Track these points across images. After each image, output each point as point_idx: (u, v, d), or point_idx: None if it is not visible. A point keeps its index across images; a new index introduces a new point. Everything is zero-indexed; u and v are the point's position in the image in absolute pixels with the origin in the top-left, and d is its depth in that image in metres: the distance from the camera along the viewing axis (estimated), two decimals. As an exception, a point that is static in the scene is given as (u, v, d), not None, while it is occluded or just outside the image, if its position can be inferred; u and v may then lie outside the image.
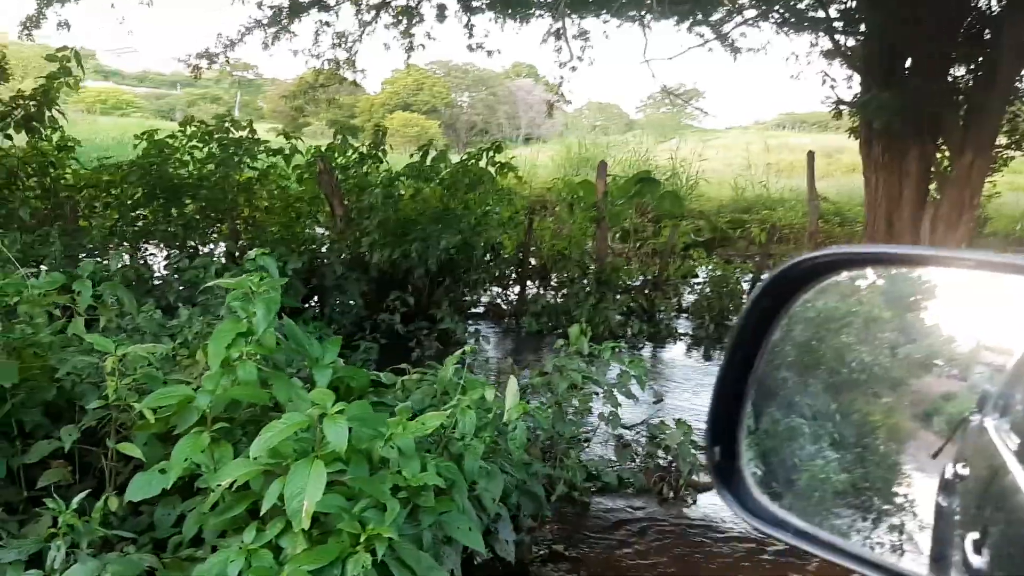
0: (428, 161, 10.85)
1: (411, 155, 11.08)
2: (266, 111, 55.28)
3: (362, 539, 3.16)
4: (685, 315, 12.17)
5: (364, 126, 52.28)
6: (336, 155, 10.53)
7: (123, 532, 3.29)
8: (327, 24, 15.78)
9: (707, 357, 10.58)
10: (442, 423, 3.97)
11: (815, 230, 13.46)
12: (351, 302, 9.66)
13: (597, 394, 6.00)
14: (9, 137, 9.35)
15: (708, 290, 12.14)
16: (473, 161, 11.08)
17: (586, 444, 6.23)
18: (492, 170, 11.04)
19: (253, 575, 3.05)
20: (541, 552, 4.73)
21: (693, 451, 6.04)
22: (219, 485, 3.23)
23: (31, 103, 9.38)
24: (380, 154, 10.74)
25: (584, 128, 46.37)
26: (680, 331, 11.47)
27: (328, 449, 3.22)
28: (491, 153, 11.11)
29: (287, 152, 10.31)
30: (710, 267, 12.76)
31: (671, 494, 5.70)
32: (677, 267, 12.84)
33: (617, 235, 15.58)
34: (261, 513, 3.17)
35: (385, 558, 3.21)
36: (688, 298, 12.54)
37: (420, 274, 9.95)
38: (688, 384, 8.98)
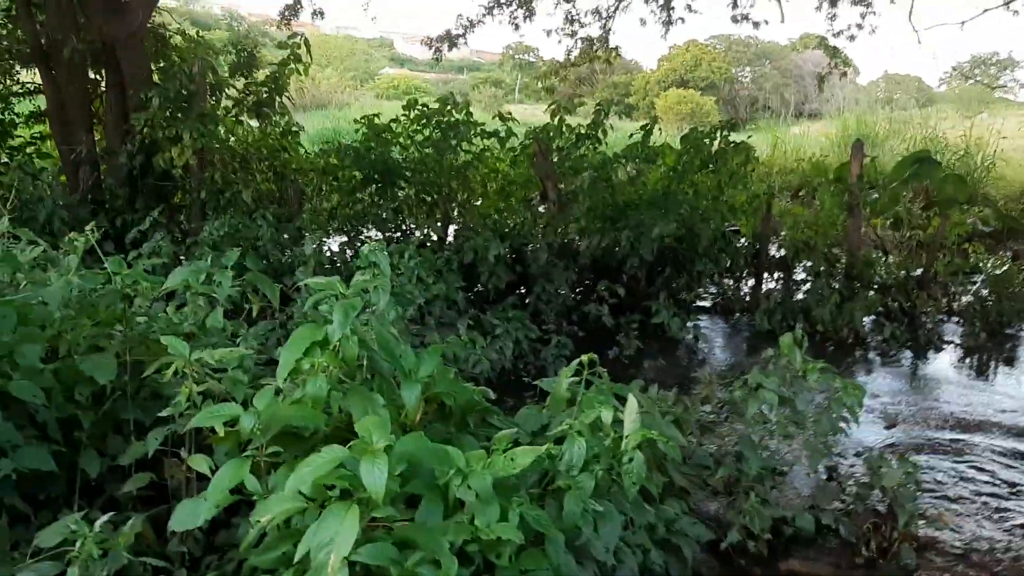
0: (654, 139, 10.02)
1: (630, 135, 10.29)
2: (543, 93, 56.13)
3: (409, 602, 2.59)
4: (955, 319, 10.37)
5: (639, 104, 51.71)
6: (552, 136, 10.00)
7: (154, 560, 2.97)
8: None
9: (979, 372, 8.85)
10: (549, 454, 3.30)
11: None
12: (558, 291, 9.11)
13: (795, 422, 5.00)
14: (240, 123, 9.78)
15: (986, 291, 10.26)
16: (705, 140, 10.09)
17: (780, 479, 5.22)
18: (726, 149, 9.99)
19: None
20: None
21: (917, 495, 4.88)
22: (259, 521, 2.80)
23: (263, 89, 9.74)
24: (600, 134, 10.05)
25: (874, 102, 42.41)
26: (946, 338, 9.75)
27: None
28: (724, 132, 10.05)
29: (502, 134, 9.95)
30: (991, 263, 10.78)
31: (877, 550, 4.57)
32: (948, 262, 10.98)
33: (888, 224, 13.75)
34: (295, 560, 2.69)
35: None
36: (961, 300, 10.69)
37: (634, 263, 9.18)
38: (942, 405, 7.48)
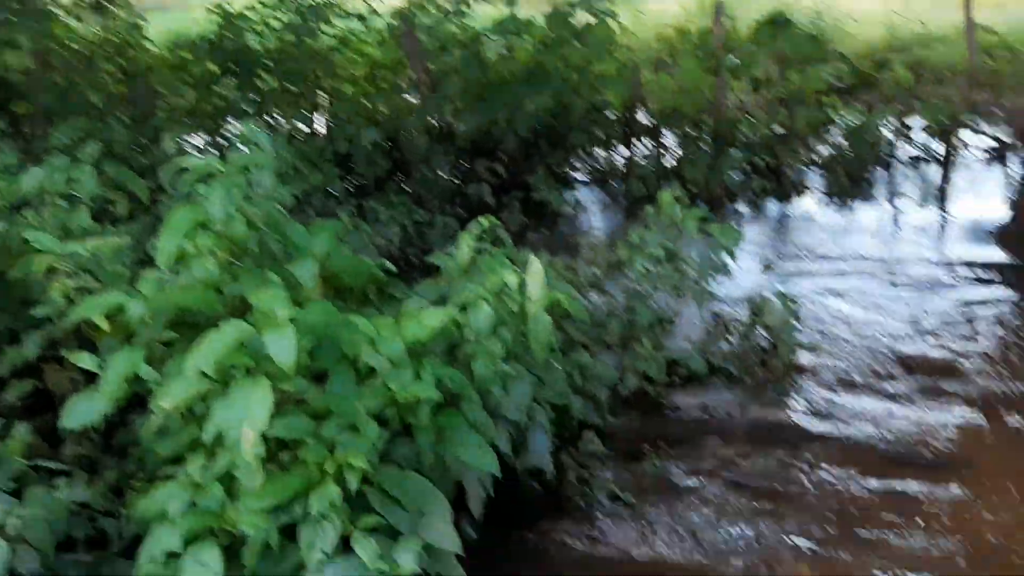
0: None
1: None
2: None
3: (329, 468, 2.59)
4: (817, 170, 10.86)
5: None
6: (416, 14, 9.66)
7: (50, 463, 2.86)
8: None
9: (842, 216, 9.36)
10: (455, 321, 3.32)
11: (973, 69, 11.61)
12: (439, 175, 9.01)
13: (679, 271, 5.20)
14: (81, 20, 9.04)
15: (844, 142, 10.75)
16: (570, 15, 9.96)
17: (670, 327, 5.43)
18: (594, 21, 9.91)
19: (195, 517, 2.55)
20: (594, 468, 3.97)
21: (795, 328, 5.20)
22: (161, 406, 2.71)
23: (99, -18, 8.98)
24: (463, 7, 9.77)
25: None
26: (810, 188, 10.23)
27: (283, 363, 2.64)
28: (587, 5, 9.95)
29: (364, 14, 9.56)
30: (847, 116, 11.26)
31: (764, 382, 4.87)
32: (808, 117, 11.39)
33: (748, 86, 14.09)
34: (206, 440, 2.64)
35: (364, 489, 2.65)
36: (821, 152, 11.17)
37: (510, 141, 9.14)
38: (811, 247, 7.93)
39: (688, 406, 4.68)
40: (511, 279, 3.46)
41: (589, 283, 5.77)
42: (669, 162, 10.36)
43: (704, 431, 4.41)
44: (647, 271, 5.31)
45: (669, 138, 10.99)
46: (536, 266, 3.47)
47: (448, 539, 2.65)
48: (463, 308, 3.37)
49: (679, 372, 4.95)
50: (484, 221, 3.85)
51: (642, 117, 10.93)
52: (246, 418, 2.51)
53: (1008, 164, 10.89)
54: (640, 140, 10.88)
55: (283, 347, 2.56)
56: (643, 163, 10.42)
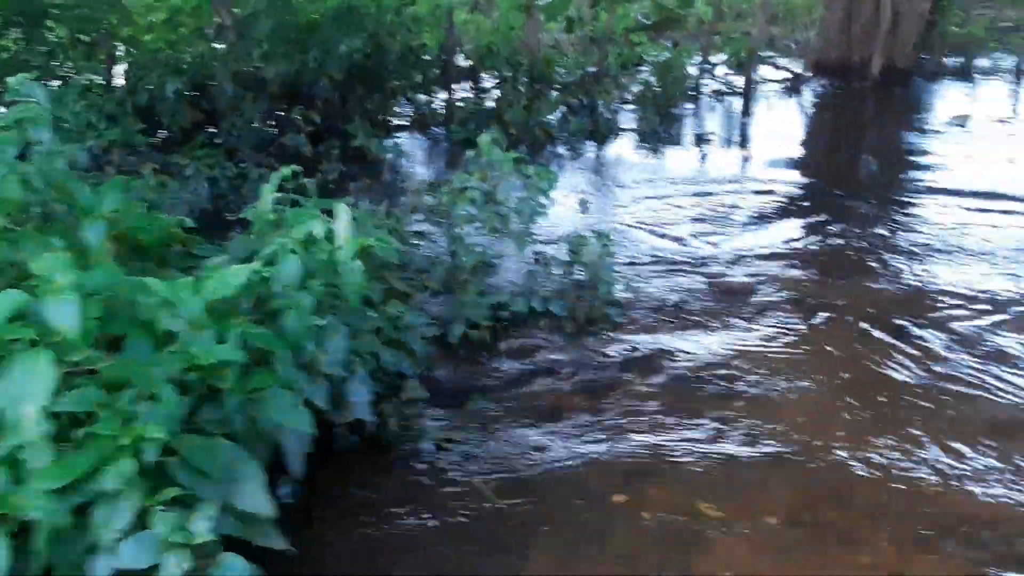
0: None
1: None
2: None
3: (124, 441, 2.44)
4: (630, 107, 11.17)
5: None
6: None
7: None
8: None
9: (655, 151, 9.69)
10: (262, 276, 3.18)
11: (768, 4, 12.21)
12: (251, 124, 8.61)
13: (500, 214, 5.23)
14: None
15: (653, 79, 11.10)
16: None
17: (493, 270, 5.47)
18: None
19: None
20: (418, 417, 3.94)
21: (613, 264, 5.35)
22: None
23: None
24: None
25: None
26: (624, 126, 10.52)
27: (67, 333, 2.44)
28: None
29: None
30: (654, 53, 11.62)
31: (585, 319, 4.99)
32: (618, 55, 11.68)
33: (561, 25, 14.26)
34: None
35: (165, 461, 2.52)
36: (633, 89, 11.49)
37: (325, 86, 8.85)
38: (627, 184, 8.18)
39: (513, 348, 4.73)
40: (318, 228, 3.34)
41: (412, 231, 5.71)
42: (489, 105, 10.35)
43: (529, 372, 4.47)
44: (468, 215, 5.31)
45: (488, 80, 10.98)
46: (343, 214, 3.38)
47: (260, 504, 2.56)
48: (270, 262, 3.23)
49: (504, 315, 4.99)
50: (286, 171, 3.69)
51: (459, 59, 10.86)
52: (27, 394, 2.32)
53: (802, 94, 11.58)
54: (459, 83, 10.82)
55: (66, 314, 2.37)
56: (463, 106, 10.36)
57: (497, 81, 10.64)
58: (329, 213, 3.57)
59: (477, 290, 4.97)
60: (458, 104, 10.45)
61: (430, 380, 4.17)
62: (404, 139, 9.89)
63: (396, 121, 10.44)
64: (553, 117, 10.08)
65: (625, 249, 6.17)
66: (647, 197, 7.69)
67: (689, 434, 3.69)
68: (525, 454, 3.54)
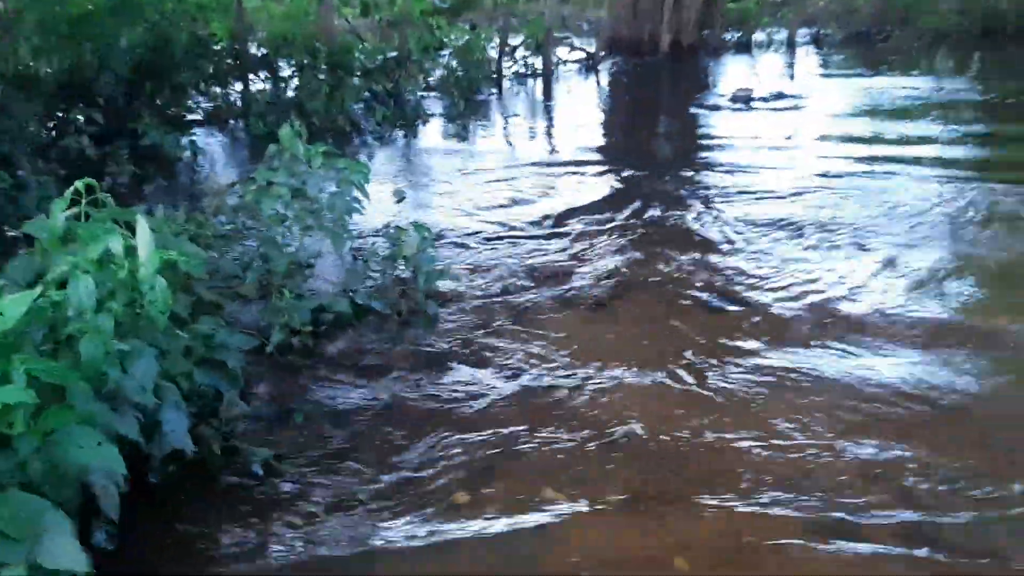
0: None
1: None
2: None
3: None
4: (434, 93, 11.12)
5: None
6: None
7: None
8: None
9: (462, 137, 9.70)
10: (52, 301, 2.89)
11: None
12: (25, 127, 7.84)
13: (312, 211, 5.03)
14: None
15: (455, 63, 11.10)
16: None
17: (309, 271, 5.26)
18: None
19: None
20: (241, 437, 3.71)
21: (433, 256, 5.29)
22: None
23: None
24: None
25: None
26: (431, 112, 10.46)
27: None
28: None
29: None
30: (454, 36, 11.62)
31: (408, 312, 4.91)
32: (419, 40, 11.59)
33: (357, 10, 13.94)
34: None
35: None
36: (436, 74, 11.45)
37: (107, 82, 8.20)
38: (439, 172, 8.14)
39: (338, 352, 4.57)
40: (115, 244, 3.06)
41: (216, 234, 5.40)
42: (289, 95, 9.99)
43: (356, 374, 4.34)
44: (278, 214, 5.07)
45: (286, 69, 10.58)
46: (143, 227, 3.11)
47: (73, 558, 2.31)
48: (61, 284, 2.93)
49: (326, 318, 4.81)
50: (80, 184, 3.36)
51: (253, 48, 10.39)
52: None
53: (598, 73, 11.94)
54: (254, 73, 10.36)
55: None
56: (260, 98, 9.93)
57: (295, 70, 10.27)
58: (127, 225, 3.29)
59: (294, 294, 4.77)
60: (255, 96, 10.00)
61: (251, 396, 3.96)
62: (200, 135, 9.36)
63: (190, 116, 9.87)
64: (357, 106, 9.87)
65: (445, 239, 6.14)
66: (462, 184, 7.70)
67: (515, 429, 3.68)
68: (357, 466, 3.42)
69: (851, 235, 5.90)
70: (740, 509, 2.98)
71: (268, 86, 10.31)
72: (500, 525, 2.99)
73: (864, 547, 2.75)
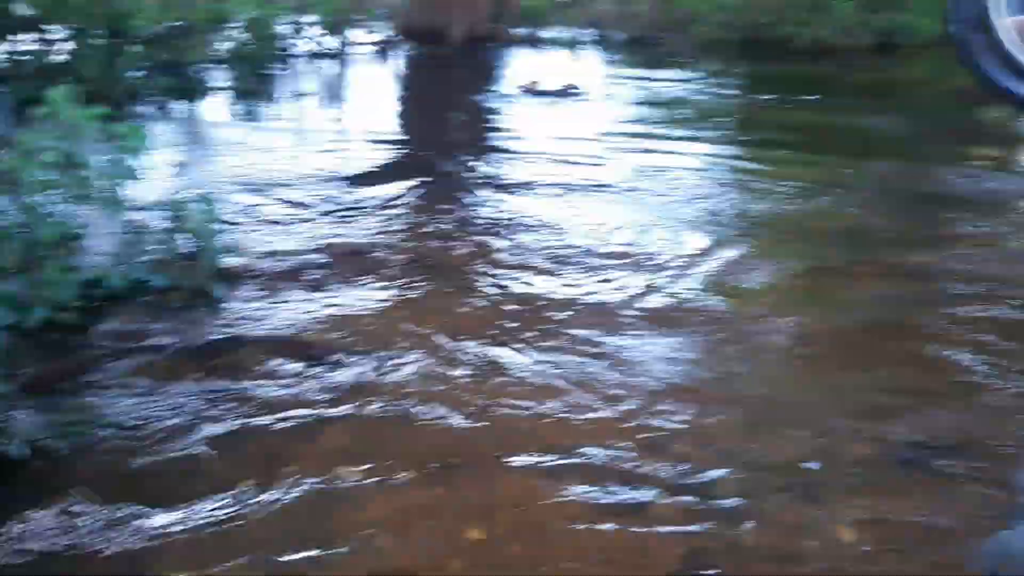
0: None
1: None
2: None
3: None
4: (223, 66, 10.74)
5: None
6: None
7: None
8: None
9: (249, 113, 9.45)
10: None
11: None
12: None
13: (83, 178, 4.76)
14: None
15: (245, 36, 10.77)
16: None
17: (79, 243, 4.96)
18: None
19: None
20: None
21: (217, 229, 5.15)
22: None
23: None
24: None
25: None
26: (218, 85, 10.10)
27: None
28: None
29: None
30: (244, 10, 11.26)
31: (192, 292, 4.75)
32: (206, 11, 11.13)
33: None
34: None
35: None
36: (225, 47, 11.05)
37: None
38: (240, 149, 7.92)
39: (110, 330, 4.35)
40: None
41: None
42: (60, 59, 9.31)
43: (129, 352, 4.16)
44: (44, 180, 4.76)
45: (59, 32, 9.85)
46: None
47: None
48: None
49: (97, 293, 4.56)
50: None
51: (20, 7, 9.58)
52: None
53: (392, 59, 11.99)
54: (19, 34, 9.55)
55: None
56: (28, 60, 9.19)
57: (69, 33, 9.58)
58: None
59: (61, 267, 4.49)
60: (21, 58, 9.25)
61: (11, 378, 3.70)
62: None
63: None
64: (137, 74, 9.37)
65: (229, 212, 5.98)
66: (246, 158, 7.54)
67: (306, 412, 3.70)
68: (127, 442, 3.31)
69: (620, 195, 6.42)
70: (533, 479, 3.15)
71: (36, 48, 9.55)
72: (288, 500, 3.00)
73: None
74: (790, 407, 3.73)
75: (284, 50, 11.13)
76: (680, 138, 8.87)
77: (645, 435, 3.45)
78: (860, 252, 5.66)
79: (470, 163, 7.82)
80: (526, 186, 7.08)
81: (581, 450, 3.33)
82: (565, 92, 11.28)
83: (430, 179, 7.20)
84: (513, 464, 3.25)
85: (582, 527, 2.88)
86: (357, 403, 3.68)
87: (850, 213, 6.57)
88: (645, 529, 2.89)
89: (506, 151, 8.45)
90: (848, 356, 4.34)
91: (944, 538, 2.84)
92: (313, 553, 2.74)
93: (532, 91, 11.18)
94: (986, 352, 4.16)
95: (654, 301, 4.83)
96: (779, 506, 3.01)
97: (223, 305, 4.73)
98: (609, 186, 7.04)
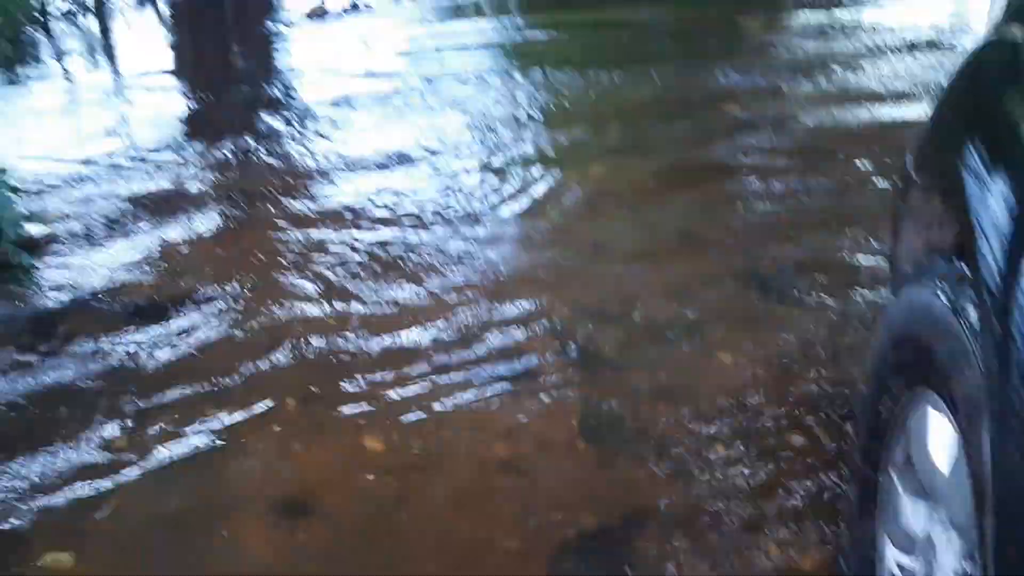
0: None
1: None
2: None
3: None
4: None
5: None
6: None
7: None
8: None
9: (11, 81, 8.68)
10: None
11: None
12: None
13: None
14: None
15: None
16: None
17: None
18: None
19: None
20: None
21: (13, 200, 4.78)
22: None
23: None
24: None
25: None
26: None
27: None
28: None
29: None
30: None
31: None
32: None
33: None
34: None
35: None
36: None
37: None
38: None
39: None
40: None
41: None
42: None
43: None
44: None
45: None
46: None
47: None
48: None
49: None
50: None
51: None
52: None
53: (156, 4, 11.16)
54: None
55: None
56: None
57: None
58: None
59: None
60: None
61: None
62: None
63: None
64: None
65: (22, 180, 5.48)
66: (25, 123, 7.04)
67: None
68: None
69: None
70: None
71: None
72: (162, 454, 2.93)
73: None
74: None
75: (37, 11, 10.13)
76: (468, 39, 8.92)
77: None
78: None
79: (259, 95, 7.53)
80: (323, 105, 6.99)
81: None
82: (353, 10, 11.04)
83: (218, 119, 6.92)
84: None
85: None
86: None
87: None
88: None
89: (301, 75, 8.24)
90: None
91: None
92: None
93: (318, 14, 10.81)
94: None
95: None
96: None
97: (33, 275, 4.45)
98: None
